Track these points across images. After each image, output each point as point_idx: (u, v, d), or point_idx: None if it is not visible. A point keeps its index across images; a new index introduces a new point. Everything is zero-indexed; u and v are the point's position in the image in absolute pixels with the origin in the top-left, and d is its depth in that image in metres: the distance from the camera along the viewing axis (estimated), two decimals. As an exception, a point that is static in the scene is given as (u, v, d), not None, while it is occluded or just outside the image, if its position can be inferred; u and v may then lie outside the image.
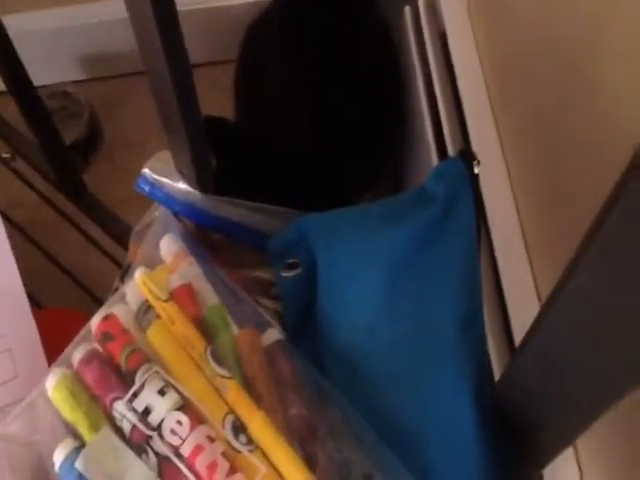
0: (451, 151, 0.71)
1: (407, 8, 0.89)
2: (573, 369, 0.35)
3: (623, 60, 0.48)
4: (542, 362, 0.37)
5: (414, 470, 0.43)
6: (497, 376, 0.48)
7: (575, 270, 0.30)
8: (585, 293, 0.31)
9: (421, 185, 0.50)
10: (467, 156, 0.49)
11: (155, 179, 0.55)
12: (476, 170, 0.49)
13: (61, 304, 0.78)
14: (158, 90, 0.49)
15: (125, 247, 0.73)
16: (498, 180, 0.66)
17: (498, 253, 0.61)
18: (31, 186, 0.80)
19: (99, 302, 0.64)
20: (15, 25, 0.71)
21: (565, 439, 0.41)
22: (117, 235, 0.76)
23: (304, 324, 0.53)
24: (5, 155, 0.81)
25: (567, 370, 0.35)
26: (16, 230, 0.76)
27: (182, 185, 0.55)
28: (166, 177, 0.55)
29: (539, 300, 0.59)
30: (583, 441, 0.53)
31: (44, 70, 0.90)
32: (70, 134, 0.98)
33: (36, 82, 0.72)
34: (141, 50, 0.47)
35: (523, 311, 0.57)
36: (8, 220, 0.72)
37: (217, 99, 0.81)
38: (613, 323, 0.31)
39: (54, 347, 0.53)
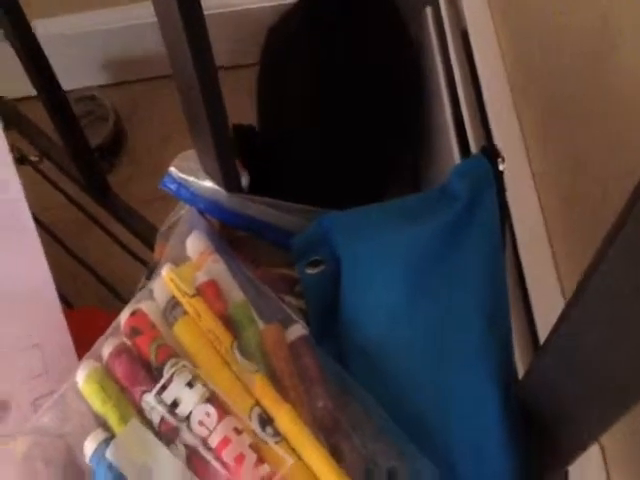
0: (473, 148, 0.71)
1: (429, 8, 0.89)
2: (599, 363, 0.35)
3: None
4: (568, 357, 0.38)
5: (438, 465, 0.43)
6: (521, 373, 0.48)
7: (601, 263, 0.31)
8: (611, 286, 0.31)
9: (444, 183, 0.50)
10: (491, 153, 0.49)
11: (181, 178, 0.56)
12: (501, 167, 0.49)
13: (87, 303, 0.79)
14: (185, 91, 0.50)
15: (149, 246, 0.75)
16: (521, 176, 0.66)
17: (522, 250, 0.61)
18: (58, 188, 0.82)
19: (124, 301, 0.65)
20: (41, 30, 0.73)
21: (590, 435, 0.41)
22: (141, 234, 0.77)
23: (328, 321, 0.53)
24: (33, 158, 0.83)
25: (593, 365, 0.36)
26: (43, 231, 0.77)
27: (207, 183, 0.56)
28: (192, 176, 0.56)
29: (563, 297, 0.59)
30: (609, 440, 0.53)
31: (70, 75, 0.91)
32: (95, 138, 1.00)
33: (63, 87, 0.74)
34: (169, 52, 0.48)
35: (547, 308, 0.57)
36: (36, 221, 0.73)
37: (240, 102, 0.83)
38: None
39: (82, 345, 0.54)
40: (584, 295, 0.33)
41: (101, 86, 1.11)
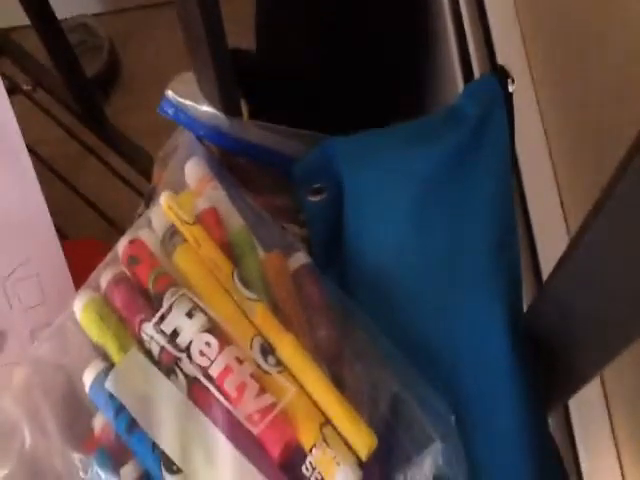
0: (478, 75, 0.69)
1: None
2: (612, 281, 0.34)
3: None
4: (578, 280, 0.37)
5: (443, 389, 0.42)
6: (525, 303, 0.47)
7: (625, 174, 0.29)
8: (628, 205, 0.30)
9: (452, 104, 0.49)
10: (501, 74, 0.47)
11: (179, 102, 0.54)
12: (510, 88, 0.47)
13: (85, 236, 0.78)
14: (183, 9, 0.48)
15: (146, 177, 0.73)
16: (526, 105, 0.64)
17: (526, 180, 0.60)
18: (53, 118, 0.80)
19: (121, 232, 0.64)
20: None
21: (596, 364, 0.40)
22: (139, 165, 0.75)
23: (332, 249, 0.52)
24: (26, 87, 0.80)
25: (606, 283, 0.35)
26: (40, 163, 0.75)
27: (206, 108, 0.54)
28: (190, 100, 0.54)
29: (567, 231, 0.58)
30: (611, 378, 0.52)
31: (63, 3, 0.89)
32: (90, 67, 0.97)
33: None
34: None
35: (551, 241, 0.56)
36: (32, 153, 0.71)
37: (234, 31, 0.80)
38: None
39: (80, 277, 0.53)
40: (604, 208, 0.32)
41: (94, 15, 1.07)
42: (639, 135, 0.28)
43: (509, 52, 0.69)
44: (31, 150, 0.70)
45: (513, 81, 0.48)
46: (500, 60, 0.68)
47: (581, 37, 0.60)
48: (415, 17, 0.84)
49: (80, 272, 0.53)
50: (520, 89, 0.66)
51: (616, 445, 0.51)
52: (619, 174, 0.30)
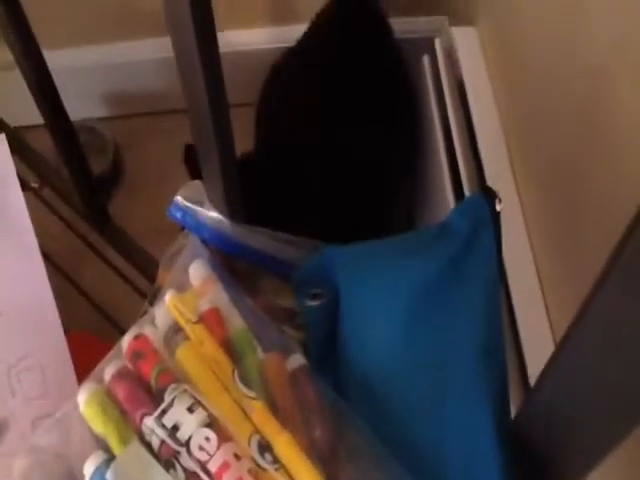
0: (467, 193, 0.73)
1: (426, 57, 0.92)
2: (595, 392, 0.36)
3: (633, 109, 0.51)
4: (564, 388, 0.39)
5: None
6: (512, 413, 0.49)
7: (602, 288, 0.32)
8: (610, 314, 0.33)
9: (444, 220, 0.52)
10: (490, 193, 0.50)
11: (186, 206, 0.57)
12: (498, 208, 0.51)
13: (80, 329, 0.80)
14: (197, 124, 0.51)
15: (146, 276, 0.75)
16: (514, 221, 0.68)
17: (513, 290, 0.63)
18: (58, 215, 0.83)
19: (120, 329, 0.65)
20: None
21: (586, 466, 0.42)
22: (139, 264, 0.77)
23: (327, 352, 0.54)
24: (34, 185, 0.84)
25: (589, 394, 0.37)
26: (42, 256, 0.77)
27: (212, 213, 0.57)
28: (197, 205, 0.57)
29: (553, 336, 0.61)
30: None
31: (70, 105, 0.93)
32: (94, 168, 1.01)
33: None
34: (184, 87, 0.49)
35: (537, 346, 0.59)
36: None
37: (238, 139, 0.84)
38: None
39: (77, 370, 0.54)
40: (584, 319, 0.34)
41: (100, 119, 1.12)
42: (611, 257, 0.31)
43: (497, 172, 0.73)
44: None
45: (500, 201, 0.51)
46: (489, 179, 0.72)
47: (567, 160, 0.64)
48: (412, 139, 0.89)
49: (75, 365, 0.55)
50: (508, 207, 0.69)
51: None
52: (597, 287, 0.33)
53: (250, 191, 0.63)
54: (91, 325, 0.80)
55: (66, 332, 0.75)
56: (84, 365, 0.52)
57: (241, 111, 0.89)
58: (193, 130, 0.53)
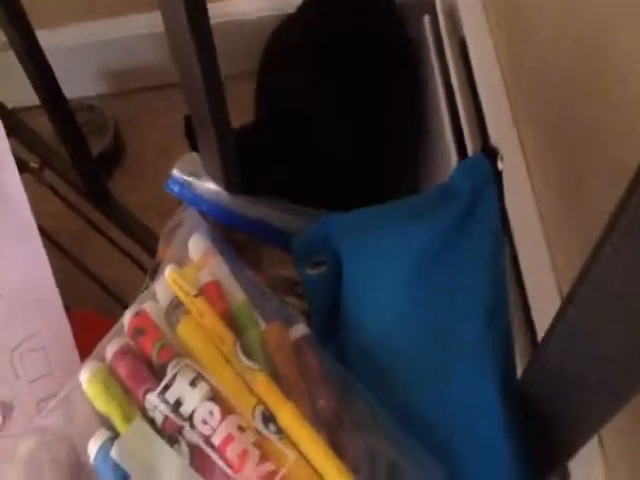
0: (471, 153, 0.72)
1: (426, 17, 0.90)
2: (601, 351, 0.35)
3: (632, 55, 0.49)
4: (570, 345, 0.38)
5: (439, 458, 0.43)
6: (519, 373, 0.48)
7: (605, 245, 0.31)
8: (616, 268, 0.32)
9: (446, 182, 0.51)
10: (491, 152, 0.49)
11: (184, 179, 0.57)
12: (500, 166, 0.49)
13: (84, 307, 0.79)
14: (191, 95, 0.50)
15: (149, 252, 0.75)
16: (518, 178, 0.67)
17: (519, 247, 0.62)
18: (58, 195, 0.82)
19: (123, 305, 0.65)
20: (41, 40, 0.73)
21: (591, 428, 0.41)
22: (142, 241, 0.77)
23: (330, 321, 0.53)
24: (33, 165, 0.83)
25: (595, 353, 0.36)
26: (43, 236, 0.77)
27: (210, 185, 0.56)
28: (194, 177, 0.56)
29: (560, 293, 0.60)
30: (609, 437, 0.53)
31: (69, 84, 0.92)
32: (95, 147, 1.01)
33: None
34: (175, 59, 0.48)
35: (545, 306, 0.58)
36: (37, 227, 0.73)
37: (237, 110, 0.83)
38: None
39: (78, 348, 0.54)
40: (589, 277, 0.33)
41: (99, 96, 1.11)
42: (617, 208, 0.30)
43: (501, 130, 0.72)
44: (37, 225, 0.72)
45: (502, 159, 0.50)
46: (492, 137, 0.71)
47: (571, 114, 0.63)
48: (414, 102, 0.88)
49: (78, 343, 0.54)
50: (512, 164, 0.68)
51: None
52: (603, 240, 0.32)
53: (249, 160, 0.62)
54: (96, 303, 0.80)
55: (69, 311, 0.75)
56: (88, 343, 0.51)
57: (244, 80, 0.89)
58: (187, 100, 0.52)
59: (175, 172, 0.57)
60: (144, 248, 0.76)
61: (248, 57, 0.90)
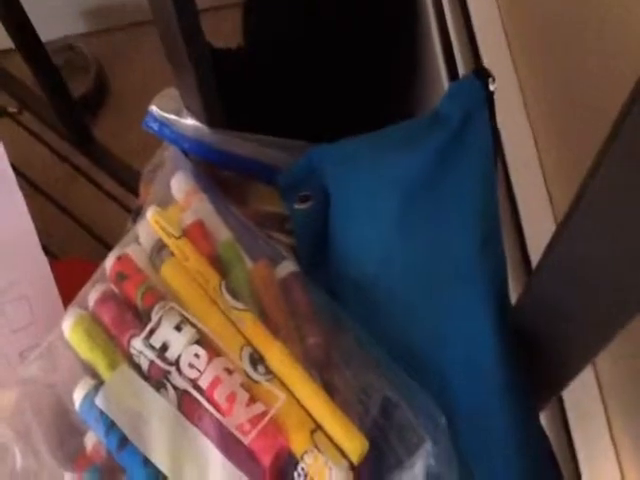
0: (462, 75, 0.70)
1: None
2: (596, 276, 0.34)
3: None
4: (564, 270, 0.36)
5: (433, 392, 0.42)
6: (513, 298, 0.47)
7: (599, 169, 0.29)
8: (609, 193, 0.30)
9: (436, 107, 0.48)
10: (481, 73, 0.47)
11: (163, 117, 0.54)
12: (491, 87, 0.47)
13: (74, 255, 0.78)
14: (163, 24, 0.48)
15: (135, 194, 0.73)
16: (511, 99, 0.65)
17: (512, 173, 0.60)
18: (40, 140, 0.80)
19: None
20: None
21: (585, 356, 0.40)
22: (127, 183, 0.75)
23: (318, 256, 0.52)
24: (12, 110, 0.81)
25: (589, 278, 0.34)
26: (27, 184, 0.75)
27: (190, 121, 0.54)
28: (174, 114, 0.54)
29: (555, 219, 0.58)
30: (603, 365, 0.52)
31: (48, 25, 0.89)
32: (77, 88, 0.98)
33: (41, 37, 0.71)
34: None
35: (539, 233, 0.56)
36: (19, 174, 0.71)
37: (221, 44, 0.80)
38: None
39: (68, 297, 0.52)
40: (582, 202, 0.32)
41: (80, 35, 1.08)
42: (612, 130, 0.28)
43: (493, 52, 0.69)
44: (19, 172, 0.70)
45: (494, 80, 0.48)
46: (485, 60, 0.68)
47: (565, 30, 0.60)
48: (402, 20, 0.84)
49: (70, 292, 0.53)
50: (505, 87, 0.66)
51: (613, 442, 0.51)
52: (597, 163, 0.30)
53: (233, 89, 0.60)
54: (83, 250, 0.78)
55: (56, 260, 0.73)
56: (78, 291, 0.50)
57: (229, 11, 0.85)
58: (158, 29, 0.49)
59: (153, 109, 0.55)
60: (130, 190, 0.74)
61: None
